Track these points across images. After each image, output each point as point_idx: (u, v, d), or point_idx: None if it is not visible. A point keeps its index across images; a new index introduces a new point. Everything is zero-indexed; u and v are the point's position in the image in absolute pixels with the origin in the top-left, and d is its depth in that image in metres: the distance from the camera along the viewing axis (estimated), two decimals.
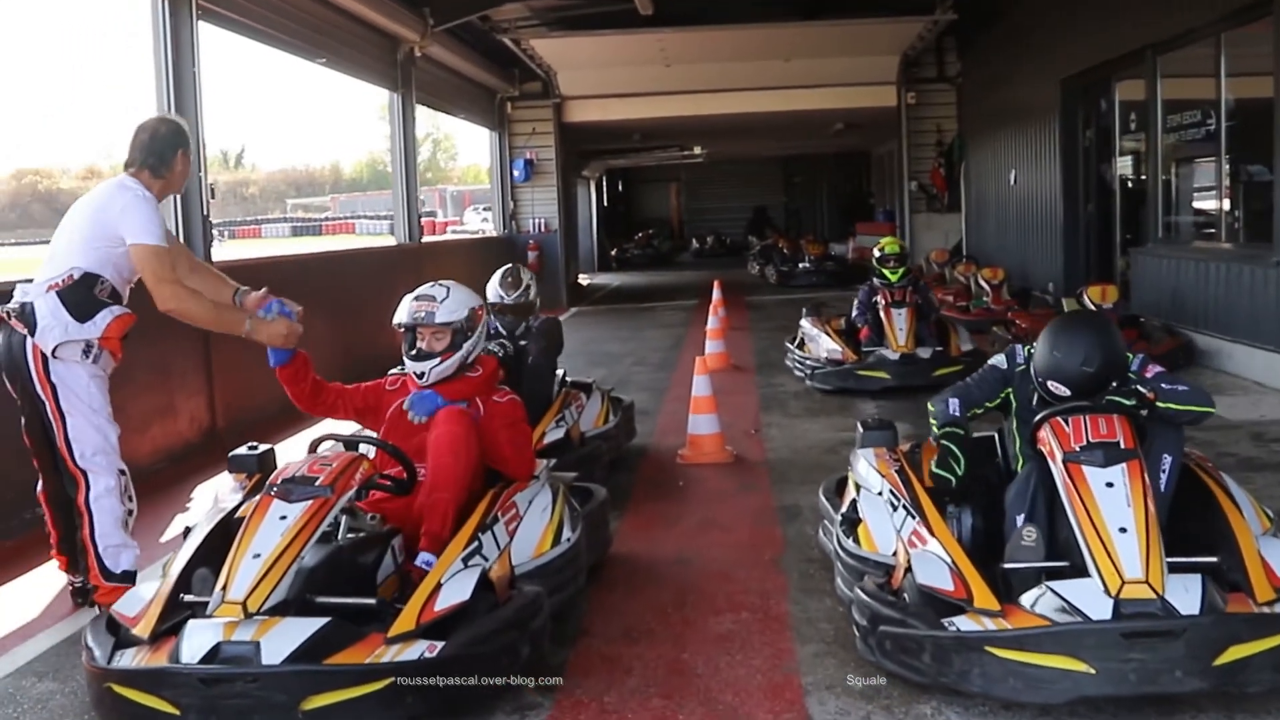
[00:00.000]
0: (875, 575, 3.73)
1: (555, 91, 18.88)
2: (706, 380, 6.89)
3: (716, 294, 12.94)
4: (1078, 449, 3.49)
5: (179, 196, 7.82)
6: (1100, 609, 3.05)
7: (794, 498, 5.77)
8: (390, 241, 14.23)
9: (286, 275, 9.74)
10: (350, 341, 10.38)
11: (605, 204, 34.13)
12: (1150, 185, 11.08)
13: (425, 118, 16.11)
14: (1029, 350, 4.07)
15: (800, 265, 21.81)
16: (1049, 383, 3.82)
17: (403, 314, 4.31)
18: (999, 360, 4.18)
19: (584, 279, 23.61)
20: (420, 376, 4.27)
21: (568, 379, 6.85)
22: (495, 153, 19.17)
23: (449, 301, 4.28)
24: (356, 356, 10.04)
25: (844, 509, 4.23)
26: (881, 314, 9.03)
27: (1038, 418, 3.77)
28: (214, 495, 4.45)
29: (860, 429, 4.54)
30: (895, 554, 3.75)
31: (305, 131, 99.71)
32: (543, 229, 19.02)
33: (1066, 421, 3.61)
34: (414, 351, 4.29)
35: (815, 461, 6.60)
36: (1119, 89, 12.23)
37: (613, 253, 30.96)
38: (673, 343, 13.23)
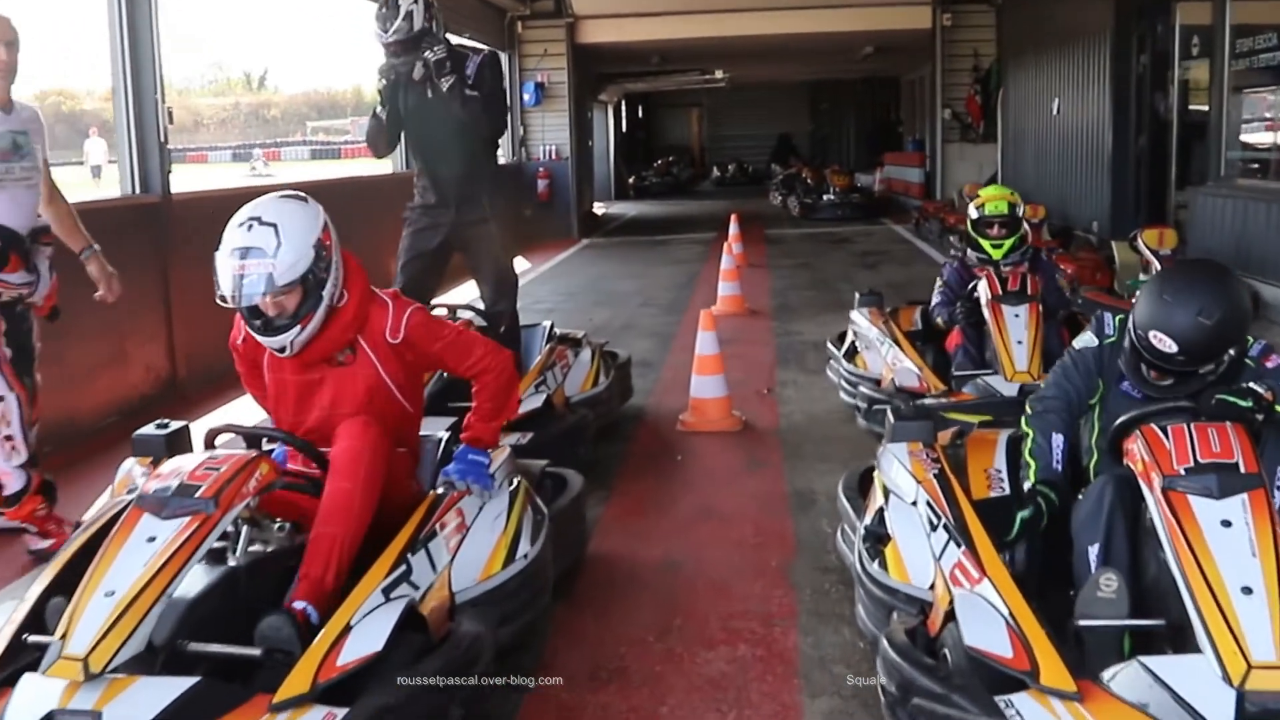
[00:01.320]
0: (907, 612, 2.93)
1: (568, 10, 17.84)
2: (713, 337, 6.05)
3: (733, 229, 12.05)
4: (1182, 471, 2.63)
5: (131, 121, 7.09)
6: (1218, 705, 2.23)
7: (808, 480, 4.99)
8: (386, 169, 13.38)
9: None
10: None
11: (623, 130, 33.01)
12: (1214, 118, 10.04)
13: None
14: (1119, 319, 3.24)
15: (824, 197, 20.98)
16: (1151, 334, 2.94)
17: (226, 284, 3.04)
18: (1087, 338, 3.30)
19: (599, 208, 22.76)
20: (282, 352, 3.19)
21: (555, 331, 6.07)
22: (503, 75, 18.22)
23: (285, 249, 3.03)
24: None
25: (868, 519, 3.38)
26: (986, 312, 5.60)
27: (1124, 418, 2.92)
28: (110, 488, 3.58)
29: (890, 417, 3.63)
30: (933, 587, 2.96)
31: (328, 53, 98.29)
32: (553, 156, 18.09)
33: (1165, 432, 2.74)
34: (259, 323, 3.14)
35: (835, 433, 5.80)
36: (1179, 11, 11.18)
37: (631, 181, 29.97)
38: (686, 280, 12.39)
